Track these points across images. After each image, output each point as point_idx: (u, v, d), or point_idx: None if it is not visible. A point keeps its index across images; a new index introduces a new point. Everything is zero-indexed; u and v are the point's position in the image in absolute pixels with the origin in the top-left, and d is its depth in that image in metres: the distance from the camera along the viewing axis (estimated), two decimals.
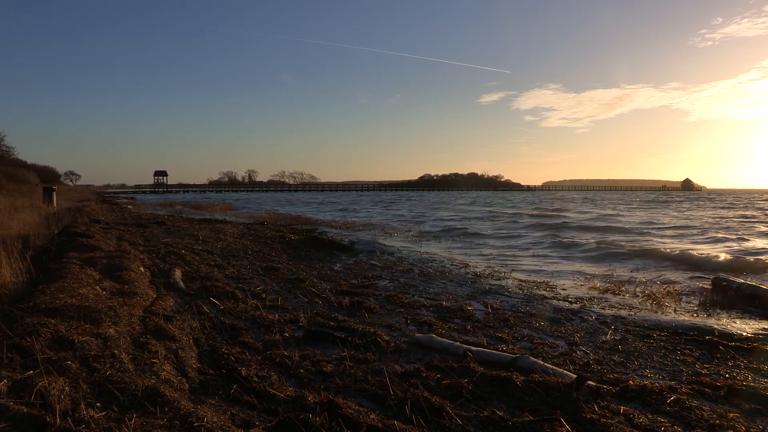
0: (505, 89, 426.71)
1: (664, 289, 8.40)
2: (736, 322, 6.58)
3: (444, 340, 5.16)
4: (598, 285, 9.16)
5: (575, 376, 3.90)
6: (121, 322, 4.72)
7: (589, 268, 11.54)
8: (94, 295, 5.51)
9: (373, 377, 4.07)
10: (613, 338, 5.65)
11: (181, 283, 7.74)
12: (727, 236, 18.67)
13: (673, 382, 4.22)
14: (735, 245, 16.18)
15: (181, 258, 10.22)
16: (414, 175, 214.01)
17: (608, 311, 7.04)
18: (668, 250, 13.57)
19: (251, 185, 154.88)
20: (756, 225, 23.86)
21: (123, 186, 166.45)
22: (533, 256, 13.96)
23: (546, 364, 4.38)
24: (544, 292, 8.47)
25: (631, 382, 4.08)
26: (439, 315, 6.60)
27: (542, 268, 11.56)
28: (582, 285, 9.34)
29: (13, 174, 42.49)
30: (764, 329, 6.21)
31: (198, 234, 15.33)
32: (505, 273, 10.68)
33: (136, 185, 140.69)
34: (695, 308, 7.37)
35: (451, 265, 11.63)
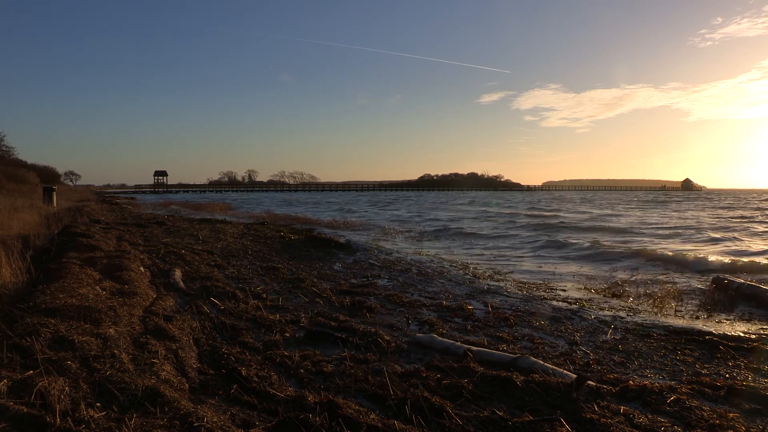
0: (505, 89, 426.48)
1: (663, 288, 8.40)
2: (736, 322, 6.58)
3: (445, 340, 5.16)
4: (597, 285, 9.17)
5: (575, 376, 3.90)
6: (121, 322, 4.73)
7: (586, 269, 11.56)
8: (94, 295, 5.51)
9: (373, 377, 4.08)
10: (613, 338, 5.65)
11: (181, 283, 7.74)
12: (723, 236, 18.71)
13: (673, 382, 4.22)
14: (731, 246, 16.19)
15: (181, 258, 10.22)
16: (414, 175, 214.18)
17: (607, 311, 7.04)
18: (662, 251, 13.59)
19: (251, 185, 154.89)
20: (752, 225, 23.84)
21: (123, 186, 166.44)
22: (530, 256, 13.99)
23: (546, 364, 4.38)
24: (543, 293, 8.47)
25: (631, 382, 4.08)
26: (439, 314, 6.61)
27: (539, 269, 11.58)
28: (580, 285, 9.34)
29: (13, 174, 42.49)
30: (764, 329, 6.21)
31: (198, 234, 15.34)
32: (502, 273, 10.69)
33: (136, 185, 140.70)
34: (695, 308, 7.37)
35: (449, 265, 11.64)
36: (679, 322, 6.48)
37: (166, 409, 2.92)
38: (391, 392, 3.71)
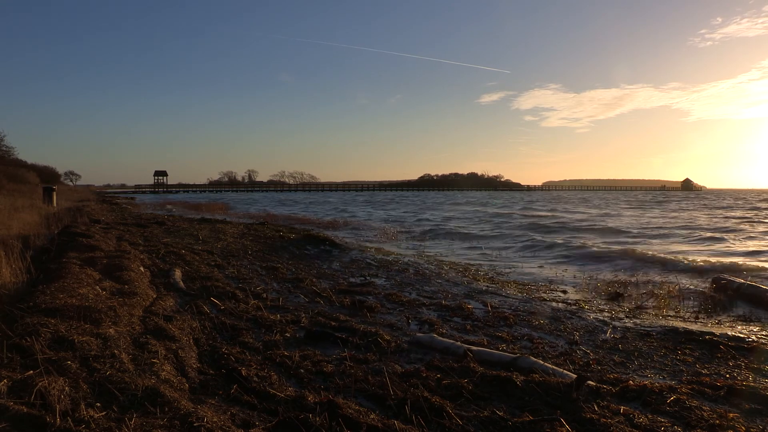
0: (505, 89, 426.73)
1: (663, 289, 8.39)
2: (736, 322, 6.58)
3: (445, 339, 5.17)
4: (596, 285, 9.17)
5: (575, 376, 3.90)
6: (121, 322, 4.72)
7: (583, 269, 11.55)
8: (94, 295, 5.51)
9: (373, 377, 4.07)
10: (613, 337, 5.65)
11: (181, 283, 7.74)
12: (717, 237, 18.73)
13: (673, 382, 4.22)
14: (724, 246, 16.18)
15: (181, 258, 10.22)
16: (414, 175, 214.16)
17: (606, 311, 7.04)
18: (657, 252, 13.56)
19: (251, 185, 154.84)
20: (748, 226, 23.82)
21: (123, 186, 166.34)
22: (528, 257, 13.99)
23: (546, 363, 4.38)
24: (542, 294, 8.48)
25: (631, 381, 4.08)
26: (439, 314, 6.61)
27: (537, 269, 11.59)
28: (579, 285, 9.35)
29: (13, 174, 42.48)
30: (765, 329, 6.21)
31: (198, 234, 15.34)
32: (500, 273, 10.70)
33: (136, 185, 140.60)
34: (695, 308, 7.37)
35: (447, 264, 11.67)
36: (679, 322, 6.48)
37: (166, 409, 2.92)
38: (391, 392, 3.71)
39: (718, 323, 6.50)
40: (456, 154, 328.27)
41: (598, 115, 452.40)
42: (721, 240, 17.82)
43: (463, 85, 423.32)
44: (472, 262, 12.35)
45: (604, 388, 3.89)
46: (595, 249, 14.49)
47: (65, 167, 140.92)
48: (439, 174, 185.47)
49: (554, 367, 4.32)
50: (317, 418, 2.99)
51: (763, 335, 5.86)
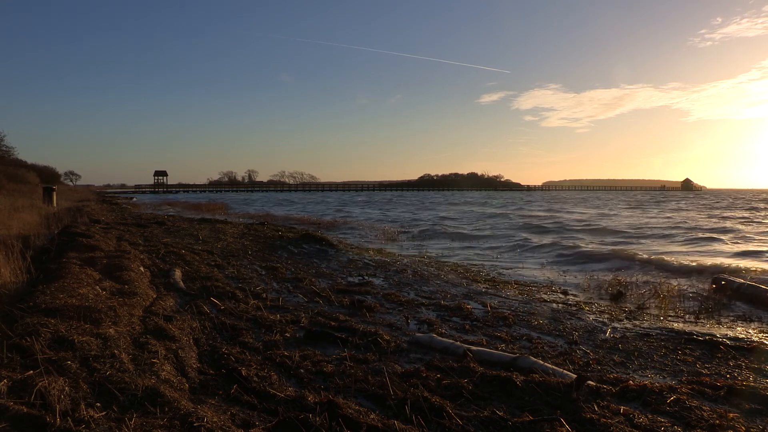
0: (505, 89, 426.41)
1: (662, 289, 8.39)
2: (736, 322, 6.58)
3: (444, 339, 5.17)
4: (594, 285, 9.17)
5: (575, 376, 3.90)
6: (121, 322, 4.72)
7: (578, 269, 11.56)
8: (94, 295, 5.51)
9: (373, 377, 4.07)
10: (613, 337, 5.65)
11: (181, 283, 7.74)
12: (711, 237, 18.77)
13: (673, 382, 4.22)
14: (715, 246, 16.18)
15: (181, 258, 10.22)
16: (414, 175, 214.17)
17: (606, 311, 7.05)
18: (654, 252, 13.55)
19: (251, 185, 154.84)
20: (746, 226, 23.80)
21: (123, 186, 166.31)
22: (521, 257, 13.99)
23: (546, 363, 4.38)
24: (542, 295, 8.48)
25: (631, 381, 4.08)
26: (438, 314, 6.61)
27: (531, 269, 11.61)
28: (578, 285, 9.35)
29: (13, 174, 42.47)
30: (765, 329, 6.21)
31: (198, 234, 15.34)
32: (499, 273, 10.71)
33: (136, 185, 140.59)
34: (695, 308, 7.37)
35: (444, 264, 11.68)
36: (679, 322, 6.49)
37: (166, 409, 2.92)
38: (391, 392, 3.71)
39: (718, 323, 6.50)
40: (456, 154, 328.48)
41: (598, 115, 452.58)
42: (717, 240, 17.83)
43: (463, 85, 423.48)
44: (468, 262, 12.37)
45: (604, 388, 3.89)
46: (590, 249, 14.47)
47: (65, 167, 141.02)
48: (439, 174, 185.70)
49: (554, 367, 4.32)
50: (317, 418, 2.99)
51: (763, 335, 5.87)
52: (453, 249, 15.52)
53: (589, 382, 3.85)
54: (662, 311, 7.16)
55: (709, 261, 12.20)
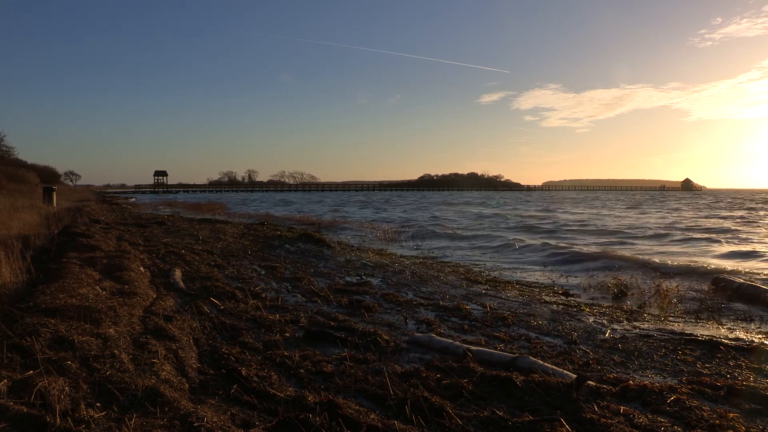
0: (505, 89, 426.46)
1: (662, 288, 8.39)
2: (736, 322, 6.59)
3: (443, 339, 5.17)
4: (592, 285, 9.17)
5: (575, 375, 3.90)
6: (121, 322, 4.72)
7: (573, 270, 11.54)
8: (94, 295, 5.51)
9: (373, 377, 4.07)
10: (612, 337, 5.65)
11: (181, 283, 7.74)
12: (713, 237, 18.78)
13: (673, 382, 4.22)
14: (719, 247, 16.18)
15: (181, 258, 10.22)
16: (414, 175, 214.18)
17: (605, 311, 7.04)
18: (652, 253, 13.52)
19: (251, 185, 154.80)
20: (743, 227, 23.81)
21: (123, 186, 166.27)
22: (524, 259, 13.99)
23: (546, 363, 4.38)
24: (541, 296, 8.48)
25: (631, 381, 4.08)
26: (436, 314, 6.62)
27: (533, 270, 11.61)
28: (577, 286, 9.35)
29: (13, 174, 42.46)
30: (765, 329, 6.21)
31: (198, 234, 15.35)
32: (497, 273, 10.71)
33: (136, 185, 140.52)
34: (695, 308, 7.37)
35: (442, 264, 11.69)
36: (679, 322, 6.49)
37: (166, 409, 2.92)
38: (391, 392, 3.71)
39: (718, 323, 6.50)
40: (456, 154, 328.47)
41: (598, 115, 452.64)
42: (714, 241, 17.87)
43: (463, 85, 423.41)
44: (469, 263, 12.37)
45: (604, 387, 3.89)
46: (581, 250, 14.44)
47: (65, 167, 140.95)
48: (439, 174, 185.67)
49: (554, 367, 4.32)
50: (317, 418, 2.99)
51: (763, 335, 5.87)
52: (445, 249, 15.51)
53: (589, 382, 3.85)
54: (662, 311, 7.16)
55: (701, 261, 12.21)
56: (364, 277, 9.27)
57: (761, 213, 35.67)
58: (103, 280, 6.64)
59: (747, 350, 5.13)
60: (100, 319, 4.58)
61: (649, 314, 6.91)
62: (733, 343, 5.37)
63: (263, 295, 7.34)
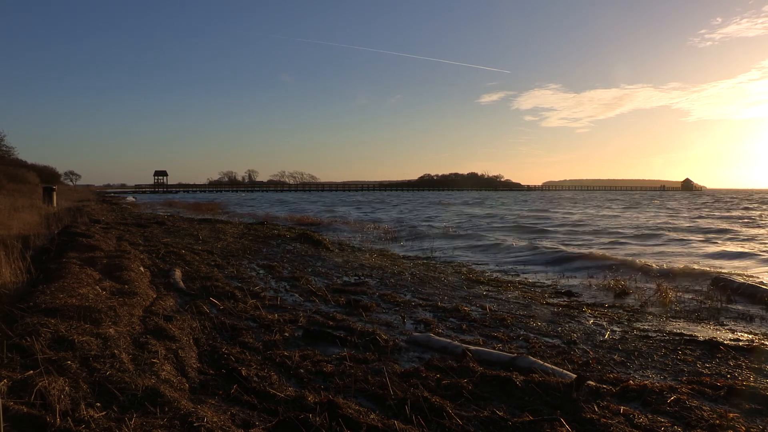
0: (505, 89, 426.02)
1: (662, 289, 8.38)
2: (736, 322, 6.58)
3: (442, 339, 5.17)
4: (591, 285, 9.17)
5: (575, 375, 3.90)
6: (121, 322, 4.72)
7: (572, 269, 11.51)
8: (94, 295, 5.51)
9: (372, 377, 4.07)
10: (612, 338, 5.65)
11: (181, 283, 7.74)
12: (711, 237, 18.79)
13: (673, 382, 4.22)
14: (715, 247, 16.17)
15: (181, 258, 10.23)
16: (414, 175, 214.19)
17: (605, 311, 7.04)
18: (638, 258, 13.35)
19: (251, 185, 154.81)
20: (740, 227, 23.78)
21: (123, 186, 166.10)
22: (507, 259, 13.94)
23: (545, 363, 4.38)
24: (540, 296, 8.47)
25: (631, 381, 4.08)
26: (434, 314, 6.62)
27: (522, 269, 11.61)
28: (576, 286, 9.35)
29: (13, 174, 42.47)
30: (765, 329, 6.21)
31: (198, 234, 15.35)
32: (492, 274, 10.71)
33: (136, 185, 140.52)
34: (695, 308, 7.37)
35: (440, 264, 11.70)
36: (679, 322, 6.49)
37: (166, 409, 2.92)
38: (391, 392, 3.71)
39: (718, 323, 6.50)
40: (456, 154, 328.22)
41: (598, 115, 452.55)
42: (713, 241, 17.85)
43: (463, 85, 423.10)
44: (467, 263, 12.37)
45: (604, 387, 3.89)
46: (568, 250, 14.32)
47: (65, 167, 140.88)
48: (439, 174, 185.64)
49: (554, 366, 4.32)
50: (317, 418, 2.99)
51: (763, 335, 5.87)
52: (440, 249, 15.48)
53: (589, 382, 3.85)
54: (662, 311, 7.15)
55: (701, 261, 12.19)
56: (362, 278, 9.28)
57: (759, 213, 35.66)
58: (103, 280, 6.65)
59: (747, 350, 5.13)
60: (100, 319, 4.58)
61: (648, 314, 6.91)
62: (733, 343, 5.37)
63: (262, 294, 7.35)
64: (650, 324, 6.33)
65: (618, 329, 6.03)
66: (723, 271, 10.83)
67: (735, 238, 18.96)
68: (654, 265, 11.60)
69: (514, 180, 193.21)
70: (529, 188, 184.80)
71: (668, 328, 6.08)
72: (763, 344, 5.30)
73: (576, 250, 14.55)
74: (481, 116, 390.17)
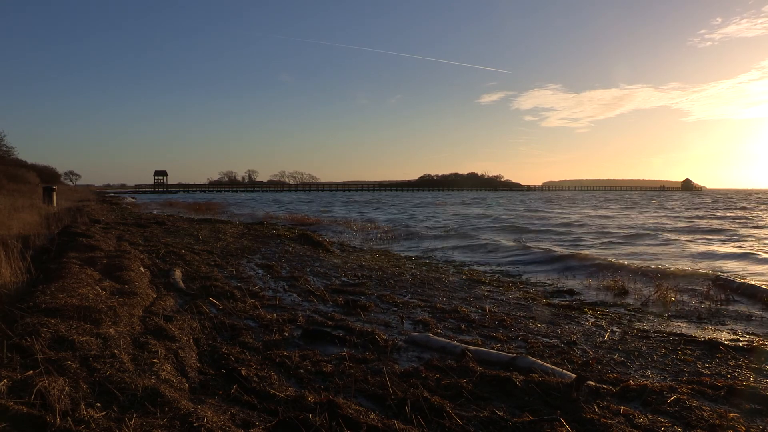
0: (505, 89, 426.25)
1: (662, 288, 8.39)
2: (736, 322, 6.58)
3: (441, 339, 5.17)
4: (589, 285, 9.17)
5: (575, 375, 3.89)
6: (121, 322, 4.72)
7: (571, 271, 11.47)
8: (94, 295, 5.51)
9: (372, 377, 4.07)
10: (612, 338, 5.65)
11: (181, 283, 7.74)
12: (710, 237, 18.82)
13: (673, 382, 4.22)
14: (713, 247, 16.17)
15: (181, 258, 10.22)
16: (414, 175, 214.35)
17: (604, 311, 7.04)
18: (634, 256, 13.41)
19: (251, 185, 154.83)
20: (738, 227, 23.77)
21: (123, 186, 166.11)
22: (521, 260, 13.95)
23: (545, 363, 4.38)
24: (540, 297, 8.47)
25: (631, 381, 4.08)
26: (432, 314, 6.62)
27: (531, 272, 11.59)
28: (576, 286, 9.35)
29: (13, 174, 42.48)
30: (765, 329, 6.21)
31: (198, 234, 15.35)
32: (492, 275, 10.71)
33: (136, 185, 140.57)
34: (695, 308, 7.37)
35: (439, 264, 11.70)
36: (679, 322, 6.49)
37: (166, 409, 2.92)
38: (391, 392, 3.71)
39: (718, 323, 6.50)
40: (456, 154, 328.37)
41: (598, 115, 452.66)
42: (711, 241, 17.87)
43: (463, 85, 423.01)
44: (464, 263, 12.37)
45: (604, 388, 3.89)
46: (558, 251, 14.27)
47: (65, 167, 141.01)
48: (439, 174, 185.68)
49: (553, 366, 4.32)
50: (317, 418, 2.99)
51: (763, 335, 5.87)
52: (433, 249, 15.49)
53: (589, 382, 3.85)
54: (662, 311, 7.15)
55: (700, 261, 12.16)
56: (361, 278, 9.28)
57: (756, 213, 35.65)
58: (103, 280, 6.64)
59: (747, 350, 5.13)
60: (100, 319, 4.58)
61: (648, 314, 6.91)
62: (733, 343, 5.37)
63: (261, 294, 7.35)
64: (650, 324, 6.33)
65: (618, 329, 6.03)
66: (722, 271, 10.84)
67: (734, 238, 18.96)
68: (653, 265, 11.59)
69: (514, 180, 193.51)
70: (528, 188, 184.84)
71: (668, 328, 6.08)
72: (763, 344, 5.29)
73: (574, 250, 14.52)
74: (481, 116, 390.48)
